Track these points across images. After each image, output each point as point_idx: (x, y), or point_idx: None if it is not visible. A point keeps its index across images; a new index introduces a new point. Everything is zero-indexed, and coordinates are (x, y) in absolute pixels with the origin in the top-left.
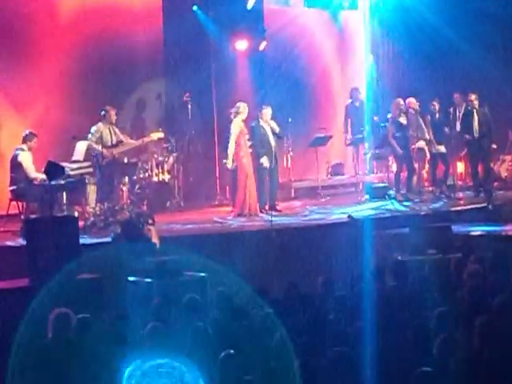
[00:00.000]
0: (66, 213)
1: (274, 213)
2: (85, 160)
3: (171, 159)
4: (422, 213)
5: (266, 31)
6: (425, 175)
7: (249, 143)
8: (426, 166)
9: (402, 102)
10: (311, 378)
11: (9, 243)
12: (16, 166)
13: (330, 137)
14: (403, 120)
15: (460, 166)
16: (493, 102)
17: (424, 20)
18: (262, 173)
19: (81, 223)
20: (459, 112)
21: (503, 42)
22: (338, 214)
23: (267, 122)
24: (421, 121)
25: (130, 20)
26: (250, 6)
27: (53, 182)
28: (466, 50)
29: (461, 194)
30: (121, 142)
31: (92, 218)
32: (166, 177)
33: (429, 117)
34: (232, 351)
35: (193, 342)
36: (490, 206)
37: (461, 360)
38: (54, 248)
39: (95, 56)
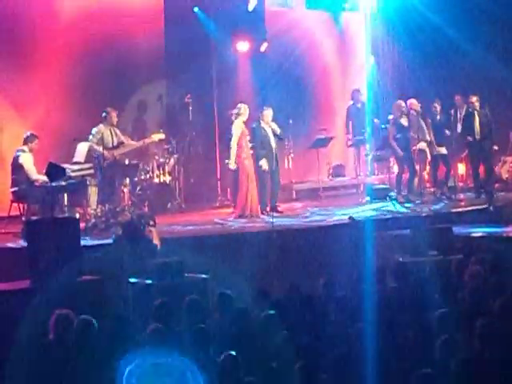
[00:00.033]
0: (67, 214)
1: (275, 214)
2: (86, 161)
3: (172, 161)
4: (423, 214)
5: (267, 33)
6: (426, 177)
7: (250, 145)
8: (427, 167)
9: (403, 104)
10: (312, 379)
11: (10, 245)
12: (17, 167)
13: (331, 138)
14: (404, 121)
15: (461, 168)
16: (494, 103)
17: (425, 21)
18: (262, 174)
19: (82, 225)
20: (460, 114)
21: (504, 43)
22: (339, 216)
23: (268, 123)
24: (422, 122)
25: (131, 22)
26: (251, 7)
27: (54, 184)
28: (467, 51)
29: (462, 196)
30: (122, 143)
31: (93, 220)
32: (167, 178)
33: (429, 119)
34: (233, 352)
35: (194, 344)
36: (490, 208)
37: (461, 361)
38: (55, 250)
39: (96, 58)
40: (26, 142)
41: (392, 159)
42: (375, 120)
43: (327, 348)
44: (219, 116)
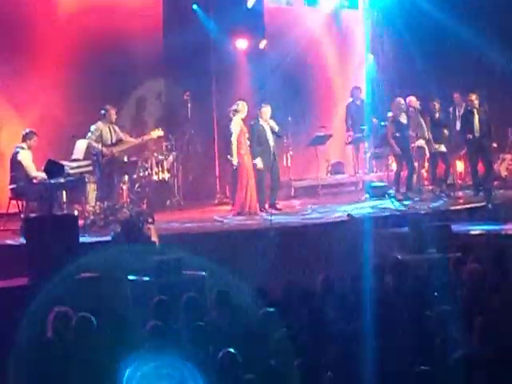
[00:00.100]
0: (65, 211)
1: (273, 211)
2: (85, 159)
3: (171, 158)
4: (422, 212)
5: (266, 30)
6: (424, 174)
7: (248, 142)
8: (426, 164)
9: (402, 101)
10: (311, 376)
11: (9, 242)
12: (16, 164)
13: (330, 136)
14: (403, 119)
15: (460, 165)
16: (492, 101)
17: (424, 18)
18: (259, 172)
19: (80, 222)
20: (459, 111)
21: (503, 40)
22: (337, 213)
23: (266, 120)
24: (421, 120)
25: (130, 19)
26: (250, 4)
27: (53, 181)
28: (466, 48)
29: (460, 193)
30: (121, 140)
31: (92, 217)
32: (166, 175)
33: (428, 117)
34: (231, 350)
35: (192, 341)
36: (489, 205)
37: (460, 359)
38: (54, 247)
39: (95, 55)
40: (24, 139)
41: (391, 157)
42: (374, 119)
43: (326, 345)
44: (218, 113)
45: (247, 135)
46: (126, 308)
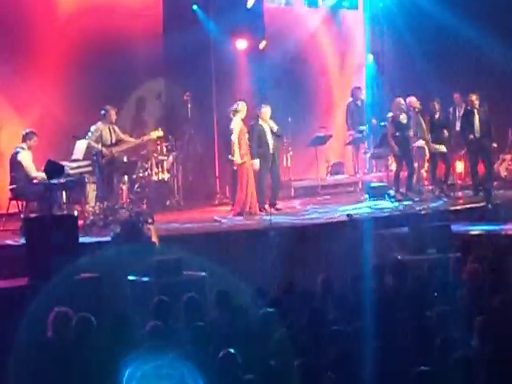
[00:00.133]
0: (65, 212)
1: (273, 212)
2: (84, 159)
3: (171, 158)
4: (422, 212)
5: (266, 30)
6: (424, 174)
7: (248, 142)
8: (426, 165)
9: (402, 102)
10: (311, 376)
11: (8, 242)
12: (16, 164)
13: (330, 136)
14: (403, 119)
15: (459, 166)
16: (492, 101)
17: (425, 19)
18: (258, 172)
19: (80, 222)
20: (459, 112)
21: (504, 41)
22: (337, 213)
23: (266, 121)
24: (421, 120)
25: (130, 19)
26: (250, 4)
27: (52, 181)
28: (467, 48)
29: (460, 194)
30: (120, 140)
31: (91, 217)
32: (166, 176)
33: (428, 117)
34: (231, 350)
35: (192, 342)
36: (489, 206)
37: (460, 359)
38: (54, 247)
39: (95, 55)
40: (24, 139)
41: (390, 157)
42: (373, 120)
43: (326, 345)
44: (218, 114)
45: (247, 135)
46: (125, 308)
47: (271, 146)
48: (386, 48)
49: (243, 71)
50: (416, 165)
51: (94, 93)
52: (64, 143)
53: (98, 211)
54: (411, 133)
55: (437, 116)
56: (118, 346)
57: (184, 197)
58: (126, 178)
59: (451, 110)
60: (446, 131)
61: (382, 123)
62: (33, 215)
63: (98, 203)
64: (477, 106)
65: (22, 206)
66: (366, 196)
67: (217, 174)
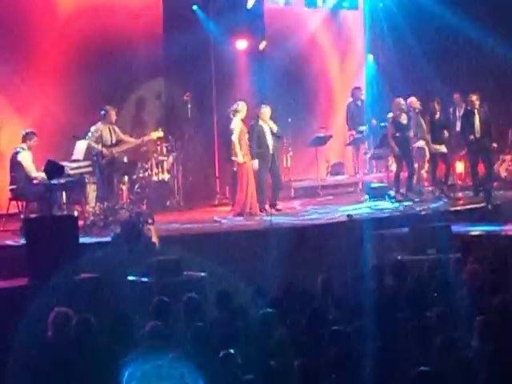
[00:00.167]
0: (65, 212)
1: (273, 212)
2: (84, 159)
3: (171, 158)
4: (422, 212)
5: (266, 31)
6: (424, 175)
7: (248, 142)
8: (426, 165)
9: (402, 102)
10: (311, 377)
11: (9, 242)
12: (16, 165)
13: (330, 136)
14: (403, 120)
15: (459, 166)
16: (493, 102)
17: (425, 19)
18: (259, 173)
19: (80, 222)
20: (459, 112)
21: (504, 41)
22: (337, 214)
23: (266, 121)
24: (421, 120)
25: (130, 19)
26: (250, 5)
27: (53, 182)
28: (467, 48)
29: (460, 194)
30: (120, 141)
31: (92, 218)
32: (166, 176)
33: (428, 117)
34: (231, 351)
35: (192, 342)
36: (489, 206)
37: (460, 360)
38: (54, 247)
39: (95, 55)
40: (24, 139)
41: (391, 157)
42: (373, 121)
43: (326, 346)
44: (218, 114)
45: (247, 136)
46: (125, 309)
47: (271, 147)
48: (386, 48)
49: (243, 71)
50: (416, 165)
51: (94, 93)
52: (64, 143)
53: (98, 212)
54: (411, 133)
55: (437, 116)
56: (117, 346)
57: (184, 197)
58: (126, 178)
59: (451, 110)
60: (446, 131)
61: (382, 124)
62: (33, 215)
63: (98, 204)
64: (477, 107)
65: (22, 206)
66: (366, 196)
67: (217, 175)
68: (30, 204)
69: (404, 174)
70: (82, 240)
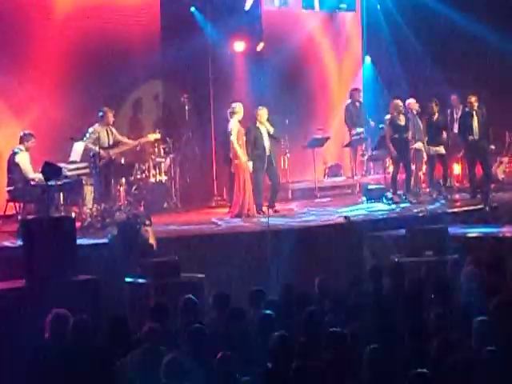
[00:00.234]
0: (63, 213)
1: (271, 214)
2: (82, 161)
3: (168, 160)
4: (420, 214)
5: (264, 32)
6: (422, 177)
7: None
8: (424, 167)
9: (400, 103)
10: (308, 379)
11: (6, 244)
12: (13, 166)
13: (328, 138)
14: (401, 121)
15: (457, 168)
16: (490, 103)
17: (423, 20)
18: (256, 174)
19: (78, 224)
20: (456, 114)
21: (503, 41)
22: (335, 216)
23: (263, 123)
24: (419, 122)
25: (128, 20)
26: (247, 7)
27: (50, 183)
28: (466, 50)
29: (458, 196)
30: (118, 142)
31: (89, 219)
32: (163, 178)
33: (426, 119)
34: (229, 352)
35: (190, 343)
36: (486, 208)
37: (458, 361)
38: (51, 249)
39: (92, 56)
40: (22, 140)
41: (388, 159)
42: (371, 122)
43: (324, 348)
44: (215, 116)
45: (244, 137)
46: (123, 310)
47: (268, 148)
48: (384, 49)
49: (241, 73)
50: (413, 167)
51: (91, 95)
52: (62, 145)
53: (95, 213)
54: (409, 135)
55: (435, 117)
56: (115, 348)
57: (181, 199)
58: (123, 179)
59: (449, 111)
60: (444, 133)
61: (381, 125)
62: (30, 217)
63: (95, 205)
64: (476, 108)
65: (20, 207)
66: (364, 198)
67: (214, 176)
68: (28, 205)
69: (401, 176)
70: (79, 241)
